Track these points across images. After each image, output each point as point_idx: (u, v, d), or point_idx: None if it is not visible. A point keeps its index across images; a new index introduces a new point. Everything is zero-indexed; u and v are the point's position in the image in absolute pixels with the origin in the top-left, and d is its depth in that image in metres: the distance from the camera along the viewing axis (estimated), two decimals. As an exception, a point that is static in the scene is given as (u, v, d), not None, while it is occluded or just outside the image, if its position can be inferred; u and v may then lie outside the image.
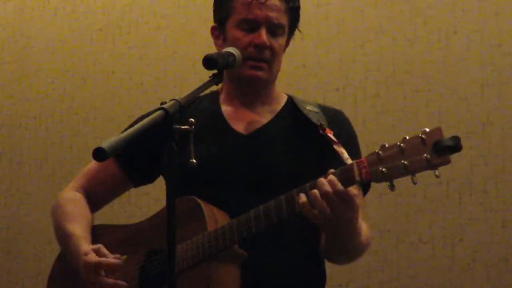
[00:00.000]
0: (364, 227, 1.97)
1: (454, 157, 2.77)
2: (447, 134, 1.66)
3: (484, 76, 3.21)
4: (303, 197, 1.77)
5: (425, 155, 1.63)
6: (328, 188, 1.74)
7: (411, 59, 3.33)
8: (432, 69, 3.29)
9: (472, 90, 3.22)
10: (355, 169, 1.73)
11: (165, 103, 1.66)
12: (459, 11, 3.27)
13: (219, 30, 2.15)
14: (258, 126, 2.12)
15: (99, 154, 1.45)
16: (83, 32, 3.99)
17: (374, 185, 2.10)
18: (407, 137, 1.67)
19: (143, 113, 2.12)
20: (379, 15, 3.39)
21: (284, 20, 2.09)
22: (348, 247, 1.93)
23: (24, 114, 4.07)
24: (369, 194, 2.15)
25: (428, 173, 1.66)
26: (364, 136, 2.21)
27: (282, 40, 2.10)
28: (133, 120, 2.16)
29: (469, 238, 3.17)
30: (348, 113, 2.24)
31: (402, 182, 1.69)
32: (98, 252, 2.01)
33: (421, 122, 3.26)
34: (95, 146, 1.48)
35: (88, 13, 3.99)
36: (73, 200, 2.23)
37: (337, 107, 2.27)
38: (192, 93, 1.78)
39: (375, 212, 3.22)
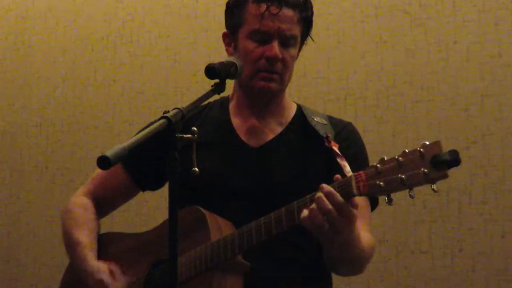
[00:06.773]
0: (367, 237, 1.96)
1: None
2: (447, 144, 1.66)
3: (484, 86, 3.22)
4: (305, 212, 1.76)
5: (422, 169, 1.60)
6: (325, 199, 1.72)
7: (411, 69, 3.34)
8: (432, 79, 3.30)
9: (472, 100, 3.23)
10: (353, 182, 1.71)
11: (168, 111, 1.66)
12: (459, 22, 3.28)
13: (230, 37, 2.14)
14: (267, 139, 2.12)
15: (103, 162, 1.46)
16: (85, 40, 4.00)
17: (374, 194, 2.11)
18: (406, 151, 1.65)
19: (144, 121, 2.12)
20: (380, 26, 3.41)
21: (296, 31, 2.06)
22: (348, 257, 1.92)
23: (25, 122, 4.08)
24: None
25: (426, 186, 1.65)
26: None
27: (294, 51, 2.09)
28: (134, 127, 2.16)
29: (469, 248, 3.18)
30: (348, 122, 2.25)
31: (401, 192, 1.69)
32: (112, 273, 2.06)
33: (421, 132, 3.27)
34: (96, 154, 1.49)
35: (89, 22, 4.00)
36: (81, 205, 2.25)
37: (337, 116, 2.26)
38: (195, 102, 1.78)
39: (375, 222, 3.20)
